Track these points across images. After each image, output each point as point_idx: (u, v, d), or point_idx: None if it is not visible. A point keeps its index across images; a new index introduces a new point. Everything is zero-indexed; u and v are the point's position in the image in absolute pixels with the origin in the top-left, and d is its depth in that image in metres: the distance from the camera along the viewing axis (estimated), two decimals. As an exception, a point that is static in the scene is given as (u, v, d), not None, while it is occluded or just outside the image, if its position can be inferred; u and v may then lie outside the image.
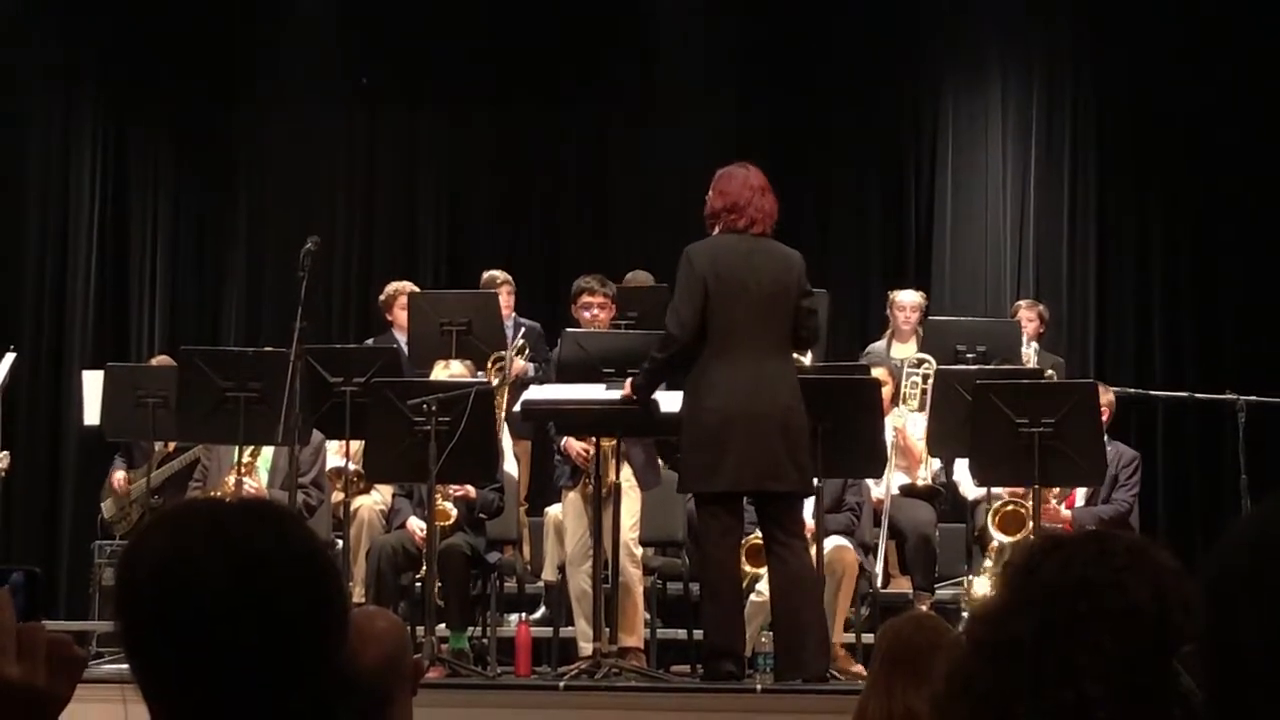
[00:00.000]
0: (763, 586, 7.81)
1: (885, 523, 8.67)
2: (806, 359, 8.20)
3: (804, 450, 7.20)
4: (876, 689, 3.80)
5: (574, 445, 8.18)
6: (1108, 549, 1.64)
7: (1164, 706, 1.57)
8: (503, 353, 8.96)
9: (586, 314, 8.68)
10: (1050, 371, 9.26)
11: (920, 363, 9.22)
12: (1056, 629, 1.60)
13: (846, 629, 8.42)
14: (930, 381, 8.76)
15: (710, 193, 7.40)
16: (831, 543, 7.97)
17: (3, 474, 9.07)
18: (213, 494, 8.17)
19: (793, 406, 7.16)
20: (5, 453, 9.03)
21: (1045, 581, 1.63)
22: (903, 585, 8.97)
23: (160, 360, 10.03)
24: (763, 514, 7.32)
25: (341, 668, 1.88)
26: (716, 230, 7.36)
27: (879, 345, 10.12)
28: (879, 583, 8.58)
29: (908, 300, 10.11)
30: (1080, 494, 8.68)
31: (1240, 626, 1.46)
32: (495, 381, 8.61)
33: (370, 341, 9.98)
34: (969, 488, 8.68)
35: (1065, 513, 8.60)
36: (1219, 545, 1.53)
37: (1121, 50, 11.92)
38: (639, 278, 9.87)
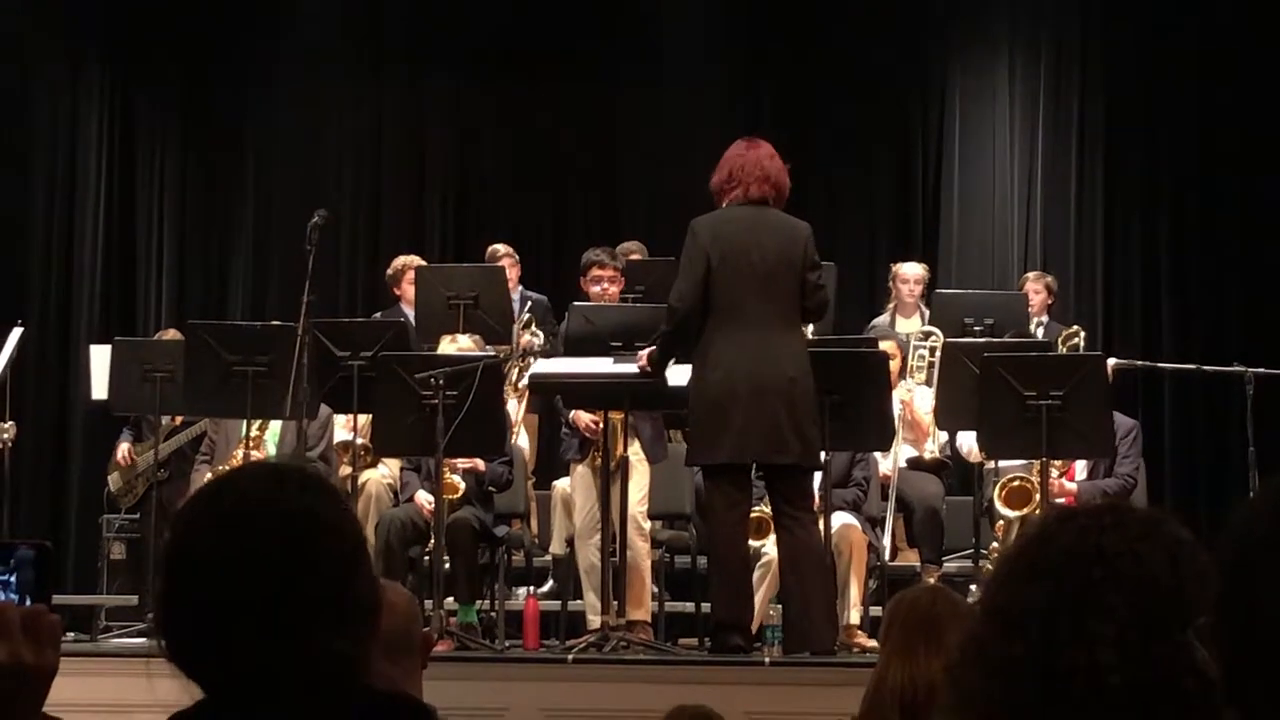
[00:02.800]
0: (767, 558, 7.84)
1: (893, 496, 8.67)
2: (806, 331, 8.20)
3: (810, 422, 7.19)
4: (898, 656, 3.79)
5: (582, 418, 8.17)
6: (1123, 520, 1.64)
7: (1177, 676, 1.57)
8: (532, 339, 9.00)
9: (596, 288, 8.66)
10: (1077, 328, 9.33)
11: (928, 335, 9.20)
12: (1070, 597, 1.60)
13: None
14: (938, 354, 8.75)
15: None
16: (838, 520, 7.96)
17: (9, 444, 9.07)
18: (220, 468, 8.18)
19: (797, 378, 7.15)
20: (10, 423, 9.02)
21: (1060, 550, 1.63)
22: (910, 558, 8.97)
23: (168, 334, 10.03)
24: (770, 487, 7.34)
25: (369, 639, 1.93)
26: (724, 204, 7.37)
27: (882, 319, 10.10)
28: (886, 556, 8.59)
29: (911, 273, 10.09)
30: (1081, 466, 8.67)
31: (1258, 594, 1.46)
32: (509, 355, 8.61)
33: (378, 315, 9.98)
34: (973, 449, 8.67)
35: (1070, 486, 8.58)
36: (1238, 513, 1.53)
37: (1129, 21, 11.89)
38: (630, 248, 9.79)
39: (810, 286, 7.31)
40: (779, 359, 7.15)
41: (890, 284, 10.18)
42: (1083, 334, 9.50)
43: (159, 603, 1.93)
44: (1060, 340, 9.34)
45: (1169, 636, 1.57)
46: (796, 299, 7.26)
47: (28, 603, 1.89)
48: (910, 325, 9.76)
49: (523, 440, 8.94)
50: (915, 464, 8.89)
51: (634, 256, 9.40)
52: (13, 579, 1.91)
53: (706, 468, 7.33)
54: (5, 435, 9.00)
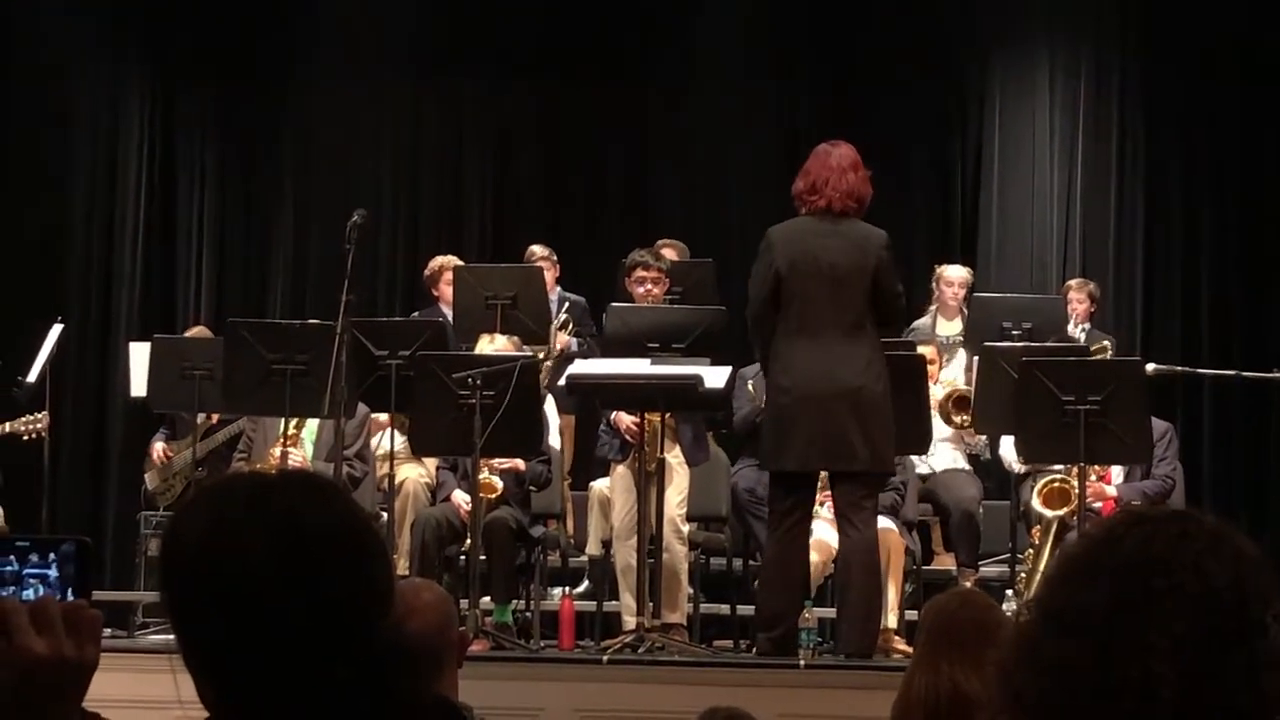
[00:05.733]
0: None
1: (910, 487, 8.64)
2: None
3: (881, 429, 7.19)
4: (923, 665, 3.79)
5: (624, 419, 8.16)
6: (1190, 530, 1.63)
7: (1231, 692, 1.55)
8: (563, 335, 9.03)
9: (640, 289, 8.62)
10: (1106, 342, 9.29)
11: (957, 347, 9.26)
12: (1130, 604, 1.58)
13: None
14: (975, 361, 8.77)
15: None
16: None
17: (44, 435, 9.09)
18: (258, 466, 8.20)
19: (866, 385, 7.15)
20: (44, 414, 9.05)
21: (1124, 556, 1.61)
22: (946, 562, 8.95)
23: (197, 331, 10.05)
24: (835, 489, 7.36)
25: (388, 636, 1.89)
26: (803, 212, 7.39)
27: (924, 321, 10.07)
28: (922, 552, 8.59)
29: (955, 276, 10.08)
30: (1117, 470, 8.64)
31: None
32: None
33: (416, 315, 10.00)
34: (1014, 462, 8.66)
35: (1110, 490, 8.55)
36: None
37: (1170, 23, 11.82)
38: (666, 247, 9.70)
39: (886, 294, 7.30)
40: (848, 367, 7.16)
41: (934, 285, 10.15)
42: (1109, 348, 9.47)
43: (189, 608, 1.90)
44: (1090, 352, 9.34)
45: (1226, 652, 1.56)
46: (868, 306, 7.26)
47: (69, 597, 1.90)
48: (952, 328, 9.77)
49: (555, 440, 8.93)
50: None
51: (667, 252, 9.38)
52: (54, 574, 1.92)
53: (773, 474, 7.37)
54: (39, 425, 9.03)
